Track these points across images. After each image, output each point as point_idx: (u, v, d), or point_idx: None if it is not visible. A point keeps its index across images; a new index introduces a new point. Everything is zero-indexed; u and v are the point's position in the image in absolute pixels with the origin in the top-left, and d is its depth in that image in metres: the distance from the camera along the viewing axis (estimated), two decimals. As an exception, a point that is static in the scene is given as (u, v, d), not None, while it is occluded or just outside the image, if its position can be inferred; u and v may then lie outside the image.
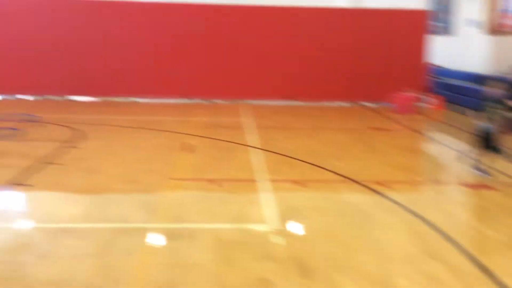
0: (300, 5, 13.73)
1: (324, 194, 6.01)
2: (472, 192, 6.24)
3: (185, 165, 7.17)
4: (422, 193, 6.42)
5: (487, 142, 6.56)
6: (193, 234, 4.60)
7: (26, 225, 4.84)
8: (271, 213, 5.21)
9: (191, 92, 13.76)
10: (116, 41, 13.36)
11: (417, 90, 12.93)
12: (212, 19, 13.51)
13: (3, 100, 13.14)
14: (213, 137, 8.97)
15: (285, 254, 4.16)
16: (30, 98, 13.35)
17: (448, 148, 8.67)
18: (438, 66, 14.41)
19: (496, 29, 12.65)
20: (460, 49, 14.09)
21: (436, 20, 14.66)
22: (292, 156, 7.63)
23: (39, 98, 13.40)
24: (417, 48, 13.53)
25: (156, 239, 4.53)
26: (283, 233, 4.71)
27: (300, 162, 7.36)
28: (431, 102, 12.85)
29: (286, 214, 5.17)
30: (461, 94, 12.54)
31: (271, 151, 7.96)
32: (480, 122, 6.67)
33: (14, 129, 9.08)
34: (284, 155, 7.71)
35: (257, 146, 8.34)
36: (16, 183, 6.00)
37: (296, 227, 4.91)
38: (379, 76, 13.54)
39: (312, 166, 7.15)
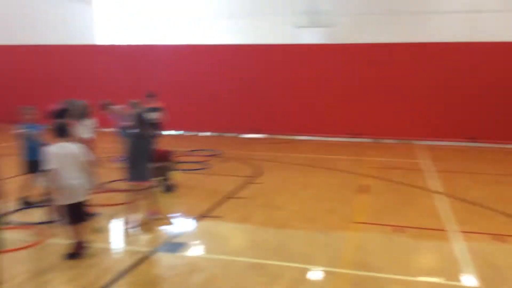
0: (465, 40, 12.81)
1: (530, 253, 5.23)
2: None
3: (363, 207, 6.93)
4: None
5: None
6: (383, 284, 4.33)
7: (218, 257, 5.06)
8: (467, 269, 4.68)
9: (360, 131, 13.57)
10: (289, 82, 13.88)
11: None
12: (380, 58, 13.27)
13: (185, 135, 14.44)
14: (389, 179, 8.60)
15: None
16: (207, 134, 14.50)
17: None
18: None
19: None
20: None
21: None
22: (483, 205, 6.88)
23: (214, 134, 14.52)
24: None
25: (344, 286, 4.36)
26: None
27: (493, 212, 6.59)
28: None
29: (485, 273, 4.59)
30: None
31: (457, 198, 7.30)
32: None
33: (201, 163, 9.87)
34: (472, 203, 7.00)
35: (440, 191, 7.73)
36: (207, 215, 6.41)
37: (501, 290, 4.32)
38: None
39: (509, 217, 6.34)
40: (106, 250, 5.18)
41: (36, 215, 6.46)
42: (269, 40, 18.25)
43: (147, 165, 6.05)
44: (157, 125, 9.04)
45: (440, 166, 9.79)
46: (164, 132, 9.93)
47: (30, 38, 16.97)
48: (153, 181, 6.44)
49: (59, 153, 4.65)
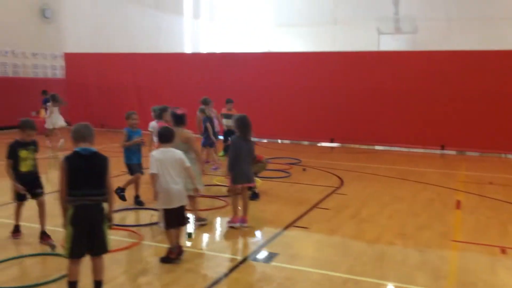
0: None
1: None
2: None
3: (462, 225, 6.52)
4: None
5: None
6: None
7: (312, 270, 4.92)
8: None
9: (444, 142, 12.93)
10: (369, 90, 13.52)
11: None
12: (470, 65, 12.58)
13: (261, 142, 14.42)
14: (483, 194, 8.08)
15: None
16: (287, 142, 14.44)
17: None
18: None
19: None
20: None
21: None
22: None
23: (294, 142, 14.43)
24: None
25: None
26: None
27: None
28: None
29: None
30: None
31: None
32: None
33: (285, 171, 9.80)
34: None
35: (547, 211, 7.14)
36: (293, 225, 6.30)
37: None
38: None
39: None
40: (200, 255, 5.21)
41: (133, 216, 6.70)
42: (349, 47, 17.98)
43: (249, 168, 6.10)
44: (233, 131, 9.16)
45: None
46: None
47: (125, 46, 17.93)
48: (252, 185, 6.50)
49: (162, 158, 4.75)
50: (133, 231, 5.76)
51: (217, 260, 5.11)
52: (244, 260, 5.05)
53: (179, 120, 5.91)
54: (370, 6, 22.64)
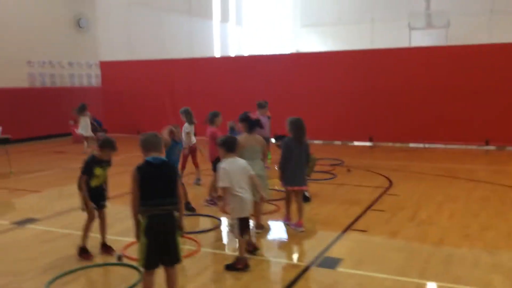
0: None
1: None
2: None
3: (525, 224, 6.28)
4: None
5: None
6: None
7: (382, 276, 4.78)
8: None
9: (487, 138, 12.56)
10: (417, 87, 13.20)
11: None
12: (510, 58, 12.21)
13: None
14: (543, 192, 7.78)
15: None
16: (318, 142, 14.19)
17: None
18: None
19: None
20: None
21: None
22: None
23: (326, 142, 14.23)
24: None
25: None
26: None
27: None
28: None
29: None
30: None
31: None
32: None
33: (330, 172, 9.65)
34: None
35: None
36: (351, 228, 6.17)
37: None
38: None
39: None
40: (261, 262, 5.11)
41: (189, 223, 6.66)
42: (380, 44, 17.72)
43: (302, 171, 6.08)
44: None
45: None
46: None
47: (156, 53, 18.10)
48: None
49: (231, 168, 4.70)
50: (192, 239, 5.71)
51: (280, 266, 5.03)
52: (309, 266, 4.93)
53: (255, 124, 5.90)
54: (400, 1, 22.36)
